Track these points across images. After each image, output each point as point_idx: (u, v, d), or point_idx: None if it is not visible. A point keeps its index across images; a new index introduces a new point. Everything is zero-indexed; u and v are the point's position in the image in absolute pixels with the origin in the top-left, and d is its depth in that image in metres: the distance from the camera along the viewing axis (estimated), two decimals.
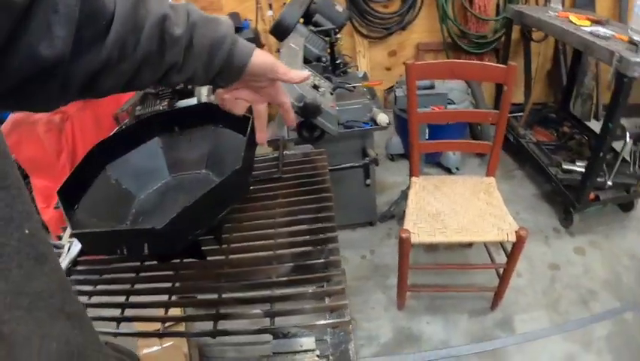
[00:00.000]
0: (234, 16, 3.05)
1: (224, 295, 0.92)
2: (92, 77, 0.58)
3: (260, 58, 0.77)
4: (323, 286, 0.91)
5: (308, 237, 1.01)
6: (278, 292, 0.90)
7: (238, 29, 2.95)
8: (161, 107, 2.08)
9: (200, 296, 0.94)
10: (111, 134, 1.20)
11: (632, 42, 1.93)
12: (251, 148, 0.93)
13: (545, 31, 2.56)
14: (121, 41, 0.59)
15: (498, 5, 3.16)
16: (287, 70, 0.81)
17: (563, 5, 2.53)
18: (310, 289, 0.89)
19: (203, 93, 2.02)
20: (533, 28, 2.98)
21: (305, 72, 0.86)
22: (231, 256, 1.00)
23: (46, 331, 0.36)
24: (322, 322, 0.84)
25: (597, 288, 2.17)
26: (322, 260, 0.94)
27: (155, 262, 1.04)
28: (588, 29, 2.15)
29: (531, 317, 2.04)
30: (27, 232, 0.35)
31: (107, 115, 2.34)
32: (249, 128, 0.91)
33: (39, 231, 0.37)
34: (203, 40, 0.70)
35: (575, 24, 2.25)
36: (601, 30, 2.10)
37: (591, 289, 2.16)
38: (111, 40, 0.58)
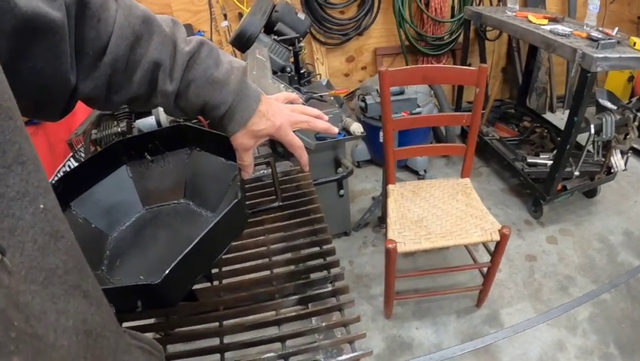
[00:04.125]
0: (187, 27, 2.94)
1: (227, 340, 0.83)
2: (90, 98, 0.64)
3: (259, 124, 0.76)
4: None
5: (308, 263, 0.94)
6: (288, 329, 0.82)
7: None
8: (118, 129, 1.95)
9: (199, 344, 0.85)
10: (74, 166, 1.08)
11: (591, 38, 1.98)
12: (242, 177, 0.85)
13: (506, 31, 2.61)
14: (108, 77, 0.62)
15: (453, 7, 3.20)
16: (291, 137, 0.81)
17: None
18: (323, 321, 0.82)
19: (161, 110, 1.90)
20: (488, 28, 3.04)
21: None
22: (226, 295, 0.92)
23: (62, 307, 0.36)
24: (344, 357, 0.77)
25: (574, 273, 2.24)
26: (329, 288, 0.88)
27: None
28: (547, 27, 2.20)
29: (516, 309, 2.07)
30: (42, 206, 0.35)
31: (60, 141, 2.18)
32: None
33: (54, 208, 0.37)
34: (195, 99, 0.70)
35: (535, 23, 2.30)
36: (559, 28, 2.15)
37: (568, 275, 2.23)
38: (99, 74, 0.61)
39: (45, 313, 0.34)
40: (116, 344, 0.44)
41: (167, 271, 0.66)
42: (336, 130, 0.88)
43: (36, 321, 0.32)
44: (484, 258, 1.94)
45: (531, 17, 2.36)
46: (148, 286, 0.67)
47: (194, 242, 0.67)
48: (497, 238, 1.68)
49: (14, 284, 0.31)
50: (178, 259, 0.67)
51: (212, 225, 0.69)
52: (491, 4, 3.21)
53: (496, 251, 1.75)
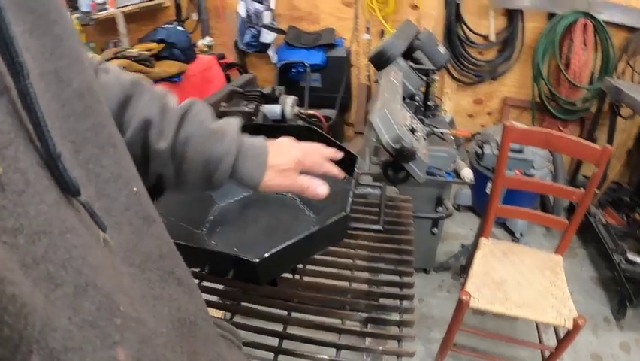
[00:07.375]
0: (329, 31, 3.07)
1: (289, 330, 0.90)
2: None
3: (274, 180, 0.70)
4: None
5: (385, 288, 0.99)
6: (346, 341, 0.88)
7: (331, 45, 2.96)
8: (246, 109, 2.09)
9: (263, 324, 0.93)
10: None
11: None
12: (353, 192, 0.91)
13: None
14: None
15: (592, 74, 3.05)
16: (307, 185, 0.73)
17: None
18: (380, 345, 0.87)
19: (288, 103, 2.00)
20: (623, 104, 2.87)
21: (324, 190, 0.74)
22: (302, 291, 0.99)
23: (158, 293, 0.35)
24: None
25: None
26: (397, 318, 0.92)
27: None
28: None
29: None
30: (135, 190, 0.36)
31: None
32: (355, 171, 0.90)
33: (145, 193, 0.38)
34: (197, 157, 0.64)
35: None
36: None
37: None
38: None
39: (145, 297, 0.33)
40: (206, 334, 0.42)
41: (266, 255, 0.73)
42: (341, 176, 0.82)
43: (139, 304, 0.31)
44: (551, 341, 1.86)
45: None
46: (247, 261, 0.73)
47: (298, 238, 0.74)
48: (570, 325, 1.61)
49: (117, 265, 0.30)
50: (279, 247, 0.73)
51: (317, 229, 0.76)
52: (632, 81, 3.01)
53: (565, 339, 1.67)
